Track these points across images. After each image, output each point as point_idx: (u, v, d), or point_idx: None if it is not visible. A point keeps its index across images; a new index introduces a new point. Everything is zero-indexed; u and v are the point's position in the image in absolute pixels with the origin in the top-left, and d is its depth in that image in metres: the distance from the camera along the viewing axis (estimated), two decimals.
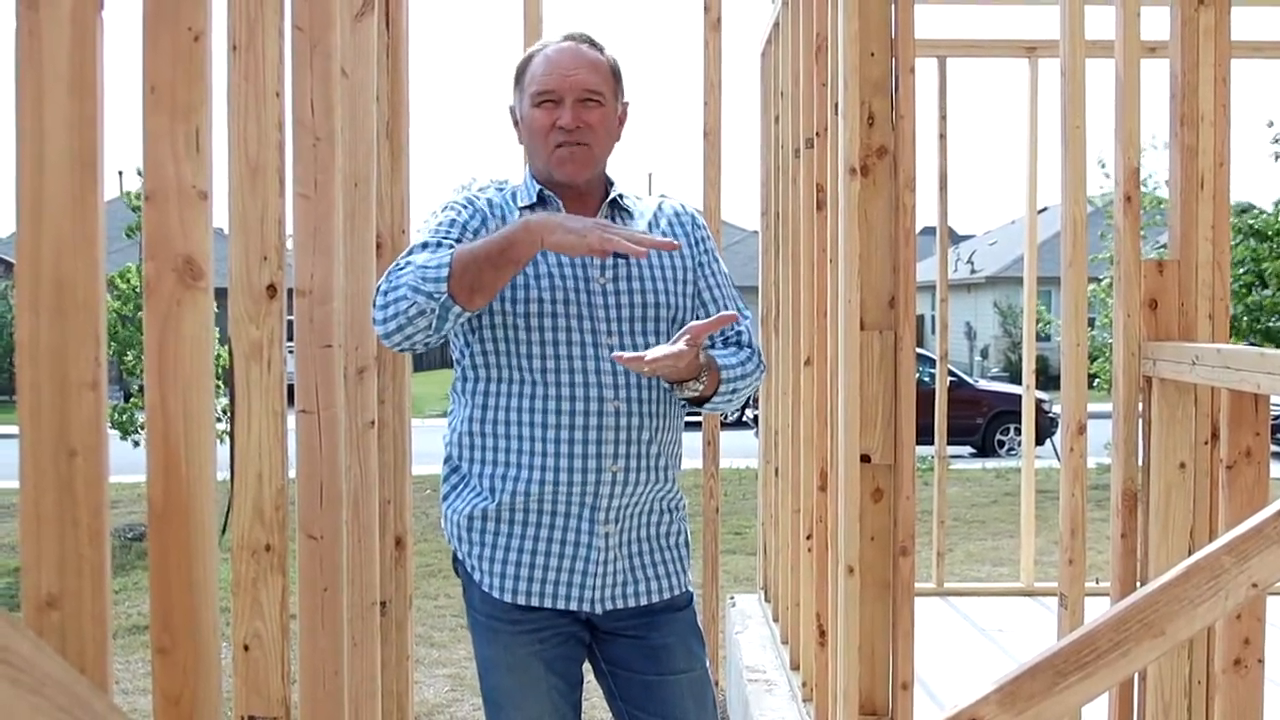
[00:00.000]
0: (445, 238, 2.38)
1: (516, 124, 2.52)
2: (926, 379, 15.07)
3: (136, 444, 9.66)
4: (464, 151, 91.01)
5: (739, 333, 2.53)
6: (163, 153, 1.61)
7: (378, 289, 2.31)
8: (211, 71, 1.65)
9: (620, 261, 2.42)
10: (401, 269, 2.28)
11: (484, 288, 2.21)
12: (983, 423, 17.51)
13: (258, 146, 1.96)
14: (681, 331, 2.27)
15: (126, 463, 7.48)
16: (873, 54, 2.92)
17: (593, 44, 2.47)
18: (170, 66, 1.60)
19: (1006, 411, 17.43)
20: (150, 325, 1.61)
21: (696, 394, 2.38)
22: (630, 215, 2.52)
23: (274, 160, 1.96)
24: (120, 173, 10.19)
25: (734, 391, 2.45)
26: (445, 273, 2.19)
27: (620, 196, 2.53)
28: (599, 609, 2.40)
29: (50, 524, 1.32)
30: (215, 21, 1.69)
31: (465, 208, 2.47)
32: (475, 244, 2.24)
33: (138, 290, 10.10)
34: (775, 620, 5.27)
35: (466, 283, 2.19)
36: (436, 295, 2.19)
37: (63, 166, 1.32)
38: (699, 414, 2.74)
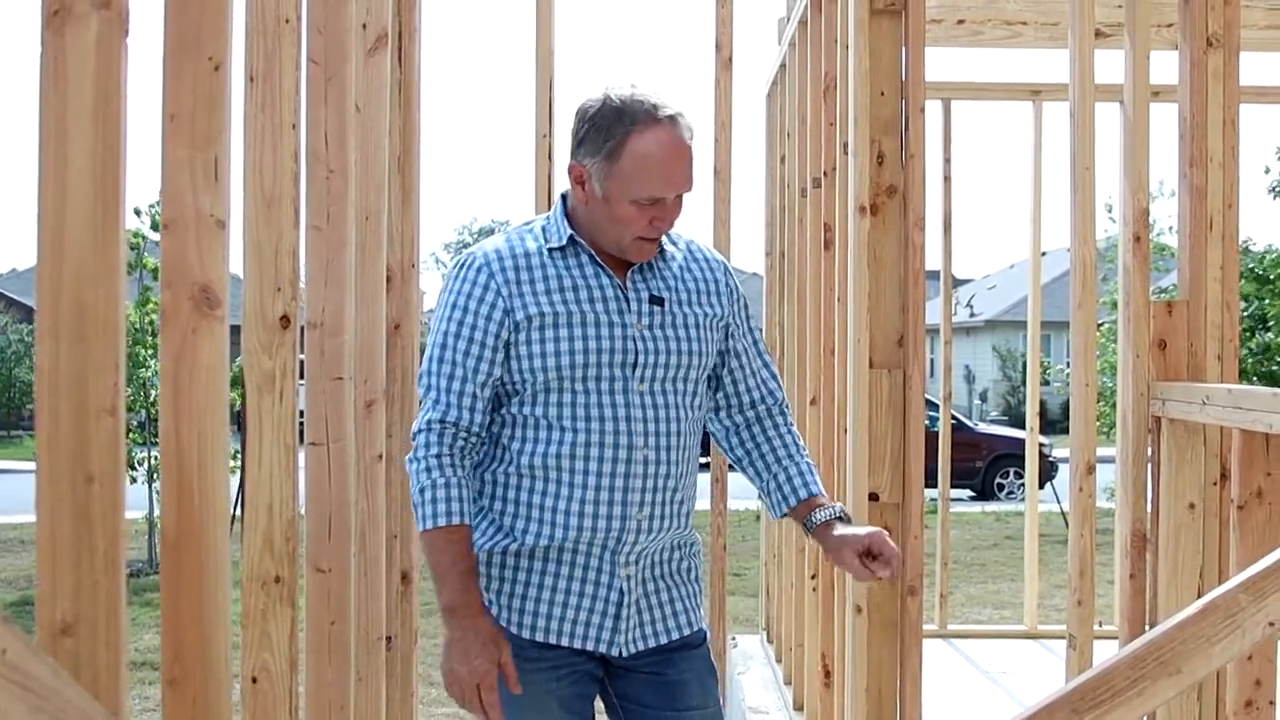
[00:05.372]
0: (479, 361, 2.32)
1: (581, 183, 2.33)
2: (926, 421, 15.00)
3: (134, 480, 9.61)
4: (473, 187, 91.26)
5: (772, 391, 2.58)
6: (181, 181, 1.61)
7: (418, 429, 2.32)
8: (230, 102, 1.65)
9: (655, 310, 2.38)
10: (434, 421, 2.30)
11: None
12: (982, 466, 17.46)
13: (273, 177, 1.96)
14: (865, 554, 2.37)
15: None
16: (883, 93, 2.94)
17: (691, 131, 2.33)
18: (190, 95, 1.60)
19: (1006, 455, 17.37)
20: (166, 353, 1.60)
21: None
22: (663, 253, 2.46)
23: (290, 191, 1.96)
24: (137, 210, 10.09)
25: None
26: (429, 525, 2.27)
27: None
28: (622, 652, 2.38)
29: (66, 550, 1.31)
30: (233, 53, 1.70)
31: (482, 300, 2.33)
32: (444, 558, 2.27)
33: (136, 326, 10.08)
34: (778, 661, 5.24)
35: (424, 553, 2.32)
36: (417, 519, 2.31)
37: (85, 192, 1.32)
38: (708, 454, 2.74)
